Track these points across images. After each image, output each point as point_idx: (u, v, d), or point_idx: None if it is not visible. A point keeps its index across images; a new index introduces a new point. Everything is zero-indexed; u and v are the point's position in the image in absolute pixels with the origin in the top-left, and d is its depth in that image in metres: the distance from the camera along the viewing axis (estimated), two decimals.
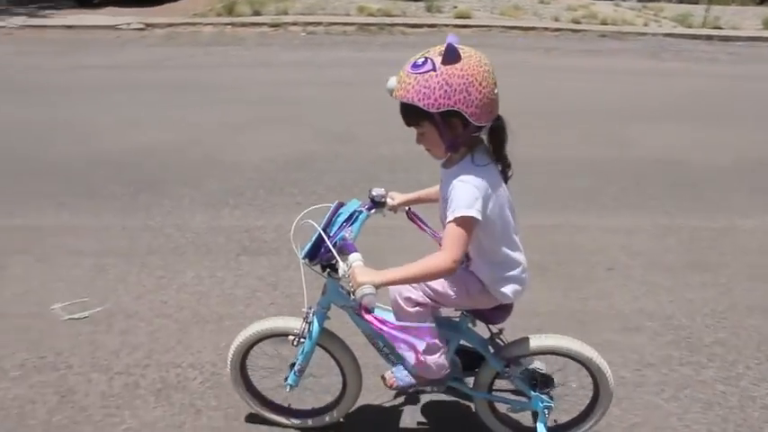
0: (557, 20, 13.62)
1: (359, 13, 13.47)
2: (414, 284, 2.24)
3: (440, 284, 2.26)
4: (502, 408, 2.64)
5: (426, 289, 2.26)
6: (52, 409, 2.87)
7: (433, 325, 2.32)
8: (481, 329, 2.49)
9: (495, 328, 2.47)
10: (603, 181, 5.44)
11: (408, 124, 2.09)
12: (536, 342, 2.42)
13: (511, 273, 2.24)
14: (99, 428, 2.76)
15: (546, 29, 12.83)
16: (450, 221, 2.01)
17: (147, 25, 12.37)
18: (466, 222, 1.99)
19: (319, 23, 12.61)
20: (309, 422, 2.78)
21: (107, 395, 2.95)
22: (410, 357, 2.33)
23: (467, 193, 2.00)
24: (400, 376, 2.47)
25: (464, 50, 1.96)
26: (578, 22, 13.34)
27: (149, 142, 6.18)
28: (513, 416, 2.69)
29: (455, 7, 14.12)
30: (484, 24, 12.92)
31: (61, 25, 12.39)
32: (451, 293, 2.26)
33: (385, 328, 2.06)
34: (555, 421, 2.67)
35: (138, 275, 3.89)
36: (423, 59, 1.96)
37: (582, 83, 8.98)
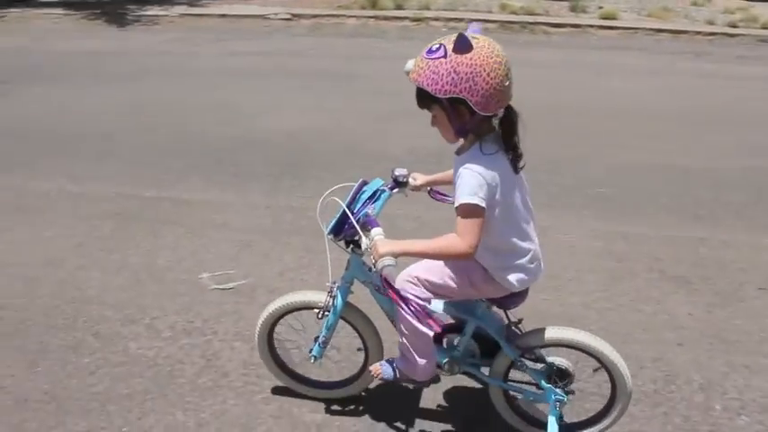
0: (711, 23, 12.85)
1: (501, 11, 13.33)
2: (415, 282, 2.33)
3: (439, 277, 2.32)
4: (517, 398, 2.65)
5: (426, 284, 2.33)
6: (198, 371, 3.07)
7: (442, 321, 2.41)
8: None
9: (513, 317, 2.49)
10: (758, 195, 5.09)
11: (420, 107, 2.16)
12: (551, 334, 2.41)
13: (518, 261, 2.25)
14: (239, 394, 2.92)
15: (698, 33, 12.13)
16: (457, 208, 2.08)
17: (294, 16, 12.84)
18: (471, 209, 2.05)
19: (461, 19, 12.57)
20: (332, 393, 2.90)
21: (248, 364, 3.10)
22: (404, 347, 2.43)
23: (472, 180, 2.05)
24: (386, 369, 2.59)
25: (478, 41, 1.99)
26: (735, 26, 12.52)
27: (293, 127, 6.42)
28: (528, 407, 2.68)
29: (600, 7, 13.64)
30: (630, 26, 12.42)
31: (216, 14, 13.08)
32: (453, 285, 2.31)
33: (401, 303, 2.20)
34: (572, 418, 2.65)
35: (280, 253, 4.07)
36: (437, 46, 2.01)
37: (736, 90, 8.43)
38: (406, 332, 2.39)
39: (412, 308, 2.20)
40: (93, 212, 4.64)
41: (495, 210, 2.11)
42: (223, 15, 12.99)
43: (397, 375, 2.58)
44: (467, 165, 2.08)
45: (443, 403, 2.89)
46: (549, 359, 2.48)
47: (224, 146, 5.93)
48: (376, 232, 2.20)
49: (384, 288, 2.29)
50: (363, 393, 2.91)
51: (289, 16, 12.80)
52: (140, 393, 2.93)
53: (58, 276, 3.84)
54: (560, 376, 2.47)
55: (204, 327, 3.39)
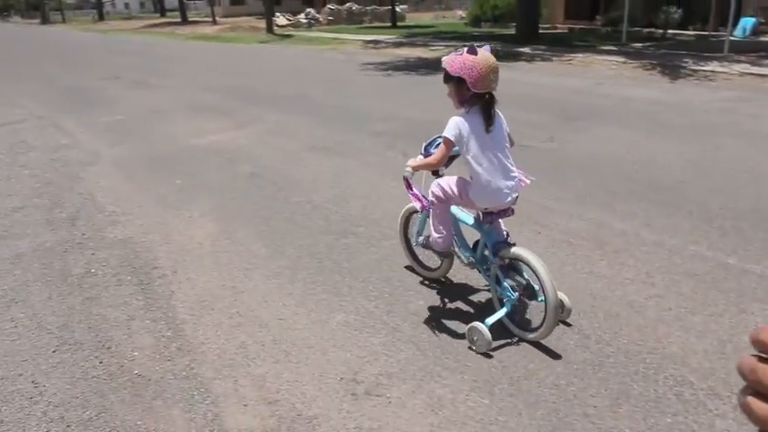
0: None
1: None
2: (437, 187, 3.74)
3: (447, 187, 3.68)
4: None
5: (441, 190, 3.71)
6: None
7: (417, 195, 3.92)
8: None
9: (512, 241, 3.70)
10: None
11: (444, 83, 3.50)
12: (513, 250, 3.56)
13: (483, 184, 3.49)
14: None
15: None
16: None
17: None
18: (445, 140, 3.50)
19: None
20: (428, 273, 4.44)
21: None
22: (431, 222, 3.95)
23: (450, 123, 3.47)
24: (420, 239, 4.13)
25: (483, 53, 3.36)
26: None
27: None
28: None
29: None
30: None
31: None
32: (451, 193, 3.66)
33: (406, 183, 3.77)
34: (523, 321, 3.78)
35: None
36: (460, 51, 3.37)
37: None
38: (433, 209, 3.80)
39: (410, 186, 3.77)
40: (670, 266, 4.53)
41: (468, 149, 3.45)
42: None
43: (424, 242, 4.05)
44: (453, 117, 3.46)
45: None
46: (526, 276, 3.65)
47: None
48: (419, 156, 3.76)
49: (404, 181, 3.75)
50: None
51: None
52: None
53: (638, 321, 3.83)
54: (526, 291, 3.61)
55: None
